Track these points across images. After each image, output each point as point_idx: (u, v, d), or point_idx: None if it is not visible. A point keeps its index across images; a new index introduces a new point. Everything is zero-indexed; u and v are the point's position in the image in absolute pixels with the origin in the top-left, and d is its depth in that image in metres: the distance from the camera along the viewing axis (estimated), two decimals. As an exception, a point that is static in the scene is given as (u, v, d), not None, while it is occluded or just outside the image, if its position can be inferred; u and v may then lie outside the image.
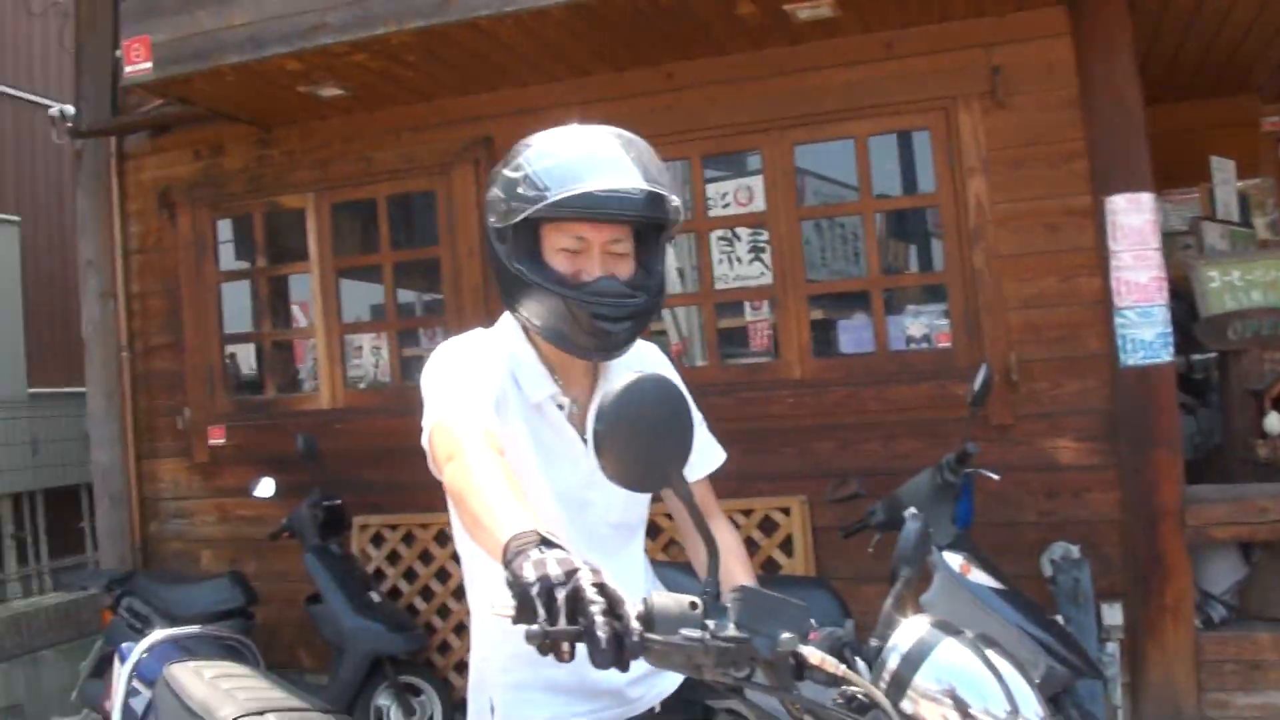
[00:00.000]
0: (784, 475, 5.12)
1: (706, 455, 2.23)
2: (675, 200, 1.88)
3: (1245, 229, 6.01)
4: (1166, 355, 4.66)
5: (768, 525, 5.09)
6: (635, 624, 1.34)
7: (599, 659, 1.30)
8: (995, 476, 4.08)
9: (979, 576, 3.94)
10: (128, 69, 4.92)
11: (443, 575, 5.45)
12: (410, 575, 5.52)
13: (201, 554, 5.86)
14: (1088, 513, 4.84)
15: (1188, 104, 6.67)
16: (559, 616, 1.31)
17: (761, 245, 5.81)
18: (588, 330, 1.85)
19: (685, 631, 1.39)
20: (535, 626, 1.31)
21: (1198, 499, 4.65)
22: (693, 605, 1.42)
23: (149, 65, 4.86)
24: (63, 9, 6.99)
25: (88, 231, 5.94)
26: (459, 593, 5.38)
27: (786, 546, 5.05)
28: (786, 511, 5.05)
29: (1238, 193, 6.35)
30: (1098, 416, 4.82)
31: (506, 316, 2.02)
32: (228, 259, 6.22)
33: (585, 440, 1.96)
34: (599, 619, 1.30)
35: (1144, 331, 4.67)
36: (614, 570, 1.62)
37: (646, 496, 2.09)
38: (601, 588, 1.34)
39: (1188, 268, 5.21)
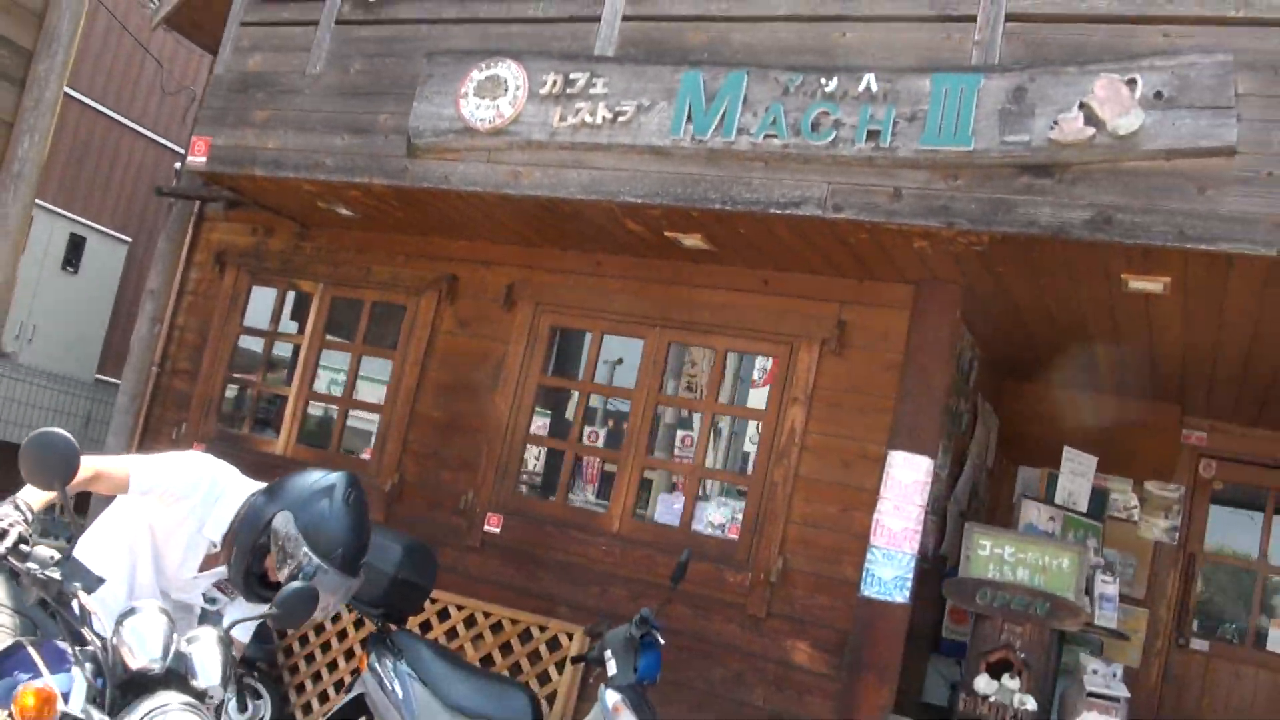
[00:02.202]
0: (580, 607, 6.62)
1: (243, 630, 3.41)
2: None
3: (1089, 520, 7.10)
4: (899, 596, 5.91)
5: (554, 643, 6.63)
6: (0, 548, 2.91)
7: None
8: (661, 641, 5.52)
9: (627, 717, 5.40)
10: (189, 158, 7.17)
11: (313, 609, 7.25)
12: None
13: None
14: (805, 711, 6.10)
15: (1118, 398, 7.82)
16: None
17: (623, 416, 7.42)
18: (242, 588, 3.40)
19: (31, 564, 2.92)
20: None
21: (893, 727, 5.89)
22: (52, 559, 2.94)
23: (203, 160, 7.09)
24: (192, 93, 9.53)
25: (158, 267, 8.24)
26: (320, 628, 7.20)
27: (562, 665, 6.57)
28: (570, 636, 6.58)
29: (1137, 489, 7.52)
30: (835, 633, 6.11)
31: (254, 490, 3.53)
32: (253, 318, 8.36)
33: (198, 571, 3.60)
34: None
35: (885, 571, 5.95)
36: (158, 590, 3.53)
37: (191, 588, 3.65)
38: (3, 530, 2.92)
39: (966, 531, 6.46)
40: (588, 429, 7.36)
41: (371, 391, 7.97)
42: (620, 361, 7.08)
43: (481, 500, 7.03)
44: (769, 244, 6.16)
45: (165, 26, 8.52)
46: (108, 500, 3.76)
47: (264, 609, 3.27)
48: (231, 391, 8.37)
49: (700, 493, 6.75)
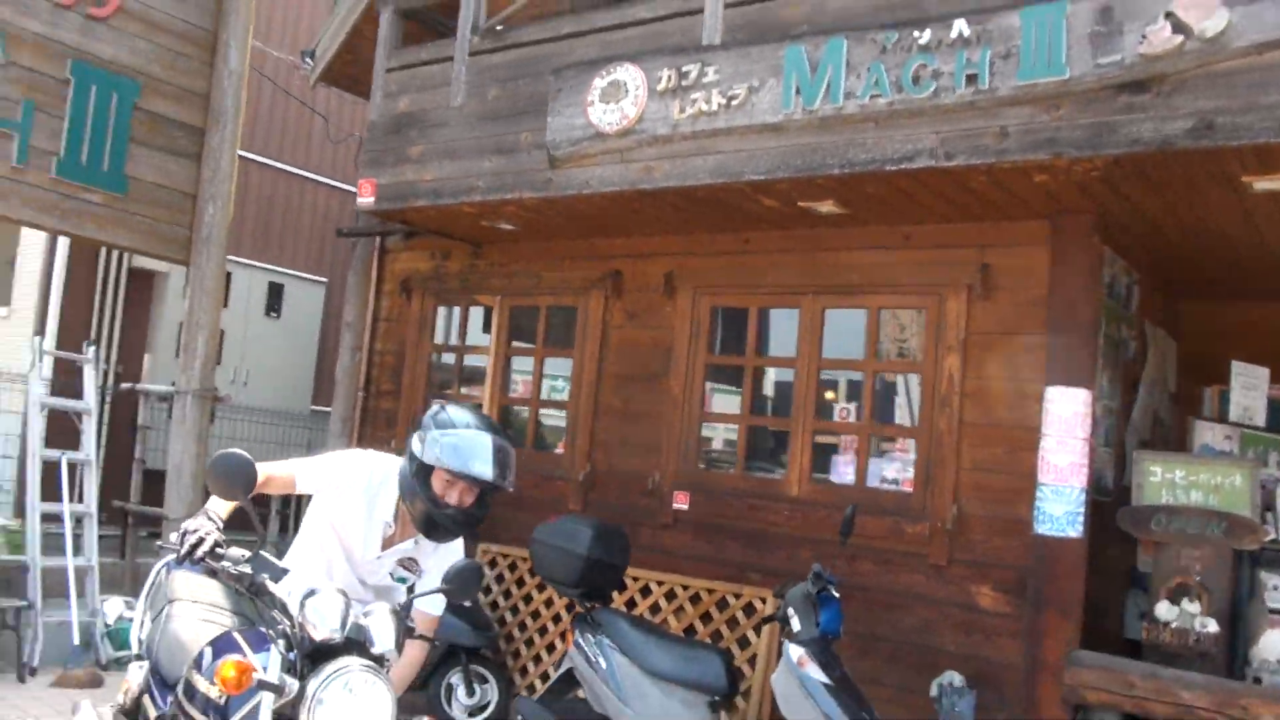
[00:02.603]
0: (770, 571, 6.92)
1: (432, 604, 4.03)
2: (509, 487, 3.99)
3: (1269, 434, 6.93)
4: (1073, 531, 5.99)
5: (750, 609, 6.98)
6: (198, 553, 3.53)
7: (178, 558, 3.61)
8: (836, 594, 5.80)
9: (813, 670, 5.68)
10: (359, 200, 7.84)
11: (527, 599, 7.83)
12: (508, 594, 7.98)
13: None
14: (994, 653, 6.25)
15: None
16: (178, 542, 3.60)
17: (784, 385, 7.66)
18: (427, 525, 3.96)
19: (225, 562, 3.59)
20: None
21: (1078, 662, 5.92)
22: (243, 556, 3.59)
23: (371, 199, 7.75)
24: (358, 138, 10.28)
25: (351, 301, 9.01)
26: (536, 614, 7.77)
27: (759, 629, 6.90)
28: (764, 600, 6.91)
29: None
30: (1015, 573, 6.24)
31: (399, 462, 4.07)
32: (445, 336, 9.03)
33: (380, 551, 4.15)
34: (183, 547, 3.54)
35: (1055, 507, 6.04)
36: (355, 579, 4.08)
37: (379, 569, 4.19)
38: (201, 538, 3.55)
39: (1135, 459, 6.44)
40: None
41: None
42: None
43: (668, 480, 7.44)
44: (900, 200, 6.33)
45: (323, 83, 9.29)
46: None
47: (442, 585, 3.81)
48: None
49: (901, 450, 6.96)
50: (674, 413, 7.51)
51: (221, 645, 3.69)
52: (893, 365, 7.05)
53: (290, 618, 3.45)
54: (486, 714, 7.38)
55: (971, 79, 5.48)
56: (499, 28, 7.49)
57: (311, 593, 3.48)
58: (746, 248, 7.37)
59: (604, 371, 7.90)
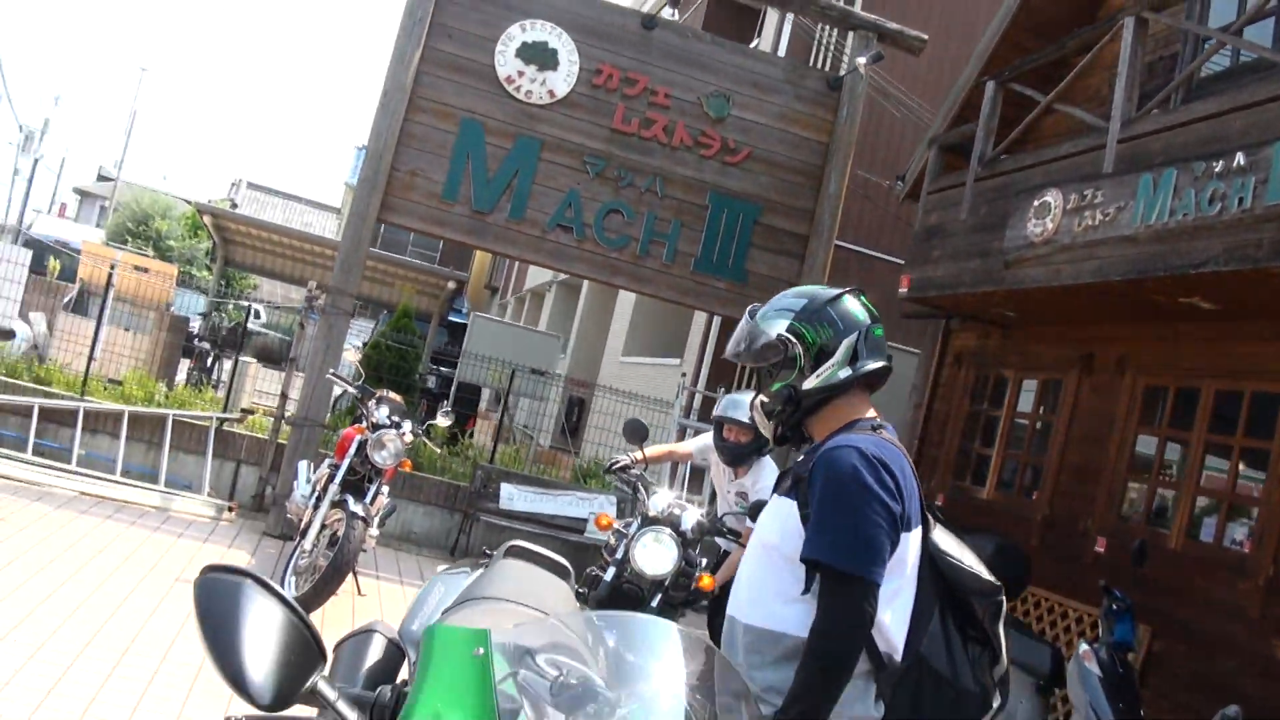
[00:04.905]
0: (1153, 610, 8.18)
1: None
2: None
3: None
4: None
5: (1123, 634, 8.24)
6: (615, 469, 6.79)
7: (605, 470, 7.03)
8: (1128, 605, 7.13)
9: (1091, 664, 7.22)
10: (900, 290, 10.31)
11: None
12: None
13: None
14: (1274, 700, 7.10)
15: None
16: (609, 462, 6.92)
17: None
18: (721, 455, 6.89)
19: (627, 474, 6.71)
20: None
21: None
22: (637, 474, 6.74)
23: (906, 290, 10.19)
24: None
25: (919, 368, 11.38)
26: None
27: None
28: (1133, 628, 8.16)
29: None
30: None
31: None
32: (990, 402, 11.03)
33: (729, 486, 7.07)
34: (609, 465, 6.92)
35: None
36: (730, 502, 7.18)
37: (731, 497, 7.05)
38: (617, 460, 6.85)
39: None
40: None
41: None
42: None
43: (1095, 526, 8.91)
44: (1234, 298, 7.48)
45: (909, 200, 11.83)
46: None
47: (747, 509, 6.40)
48: (965, 455, 11.12)
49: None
50: (1106, 470, 8.96)
51: (621, 524, 6.70)
52: (1252, 442, 7.96)
53: (645, 504, 6.35)
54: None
55: (1241, 201, 6.73)
56: (1003, 157, 9.60)
57: (656, 491, 6.38)
58: (1175, 336, 8.66)
59: (1070, 435, 9.51)
